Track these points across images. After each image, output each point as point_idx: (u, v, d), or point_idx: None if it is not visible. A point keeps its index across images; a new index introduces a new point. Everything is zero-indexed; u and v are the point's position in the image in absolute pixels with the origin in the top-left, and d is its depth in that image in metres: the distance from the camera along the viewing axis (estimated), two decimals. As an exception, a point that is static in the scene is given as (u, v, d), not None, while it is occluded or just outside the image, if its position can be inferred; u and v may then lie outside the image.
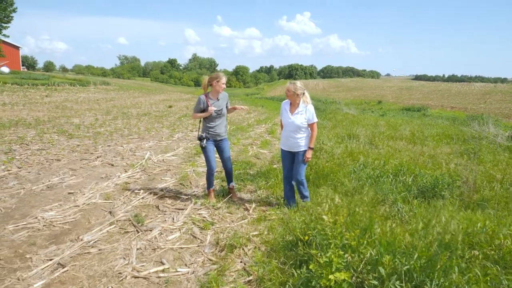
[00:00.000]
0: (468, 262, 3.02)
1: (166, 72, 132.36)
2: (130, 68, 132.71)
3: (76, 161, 7.68)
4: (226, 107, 5.35)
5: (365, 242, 3.02)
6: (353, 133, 11.37)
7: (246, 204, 5.42)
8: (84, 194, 5.66)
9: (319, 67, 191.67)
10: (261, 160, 8.45)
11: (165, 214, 5.01)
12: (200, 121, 5.32)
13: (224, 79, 5.09)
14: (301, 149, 4.90)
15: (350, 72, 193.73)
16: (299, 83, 4.88)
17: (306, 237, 3.01)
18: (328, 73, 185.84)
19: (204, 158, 5.43)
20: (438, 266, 2.64)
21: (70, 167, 7.19)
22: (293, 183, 5.17)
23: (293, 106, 4.91)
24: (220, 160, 5.64)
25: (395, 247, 2.95)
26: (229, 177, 5.63)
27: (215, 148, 5.34)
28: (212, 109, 5.04)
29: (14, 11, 45.53)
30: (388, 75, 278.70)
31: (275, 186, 6.08)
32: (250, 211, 5.16)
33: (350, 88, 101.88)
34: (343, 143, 9.51)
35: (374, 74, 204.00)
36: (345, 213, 3.14)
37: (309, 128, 4.90)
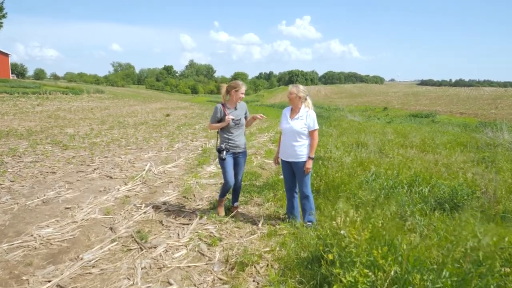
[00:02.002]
0: (501, 279, 2.93)
1: (162, 80, 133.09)
2: (125, 76, 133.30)
3: (72, 174, 7.60)
4: (245, 117, 5.26)
5: (389, 259, 2.94)
6: (361, 141, 11.33)
7: (254, 218, 5.34)
8: (82, 209, 5.57)
9: (320, 73, 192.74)
10: (267, 171, 8.38)
11: (169, 229, 4.92)
12: (217, 132, 5.23)
13: (243, 89, 5.01)
14: (301, 160, 4.75)
15: (352, 78, 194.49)
16: (301, 86, 4.85)
17: (331, 256, 2.92)
18: (329, 78, 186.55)
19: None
20: (473, 285, 2.55)
21: (66, 180, 7.11)
22: (296, 196, 5.08)
23: (294, 111, 4.85)
24: None
25: (422, 264, 2.86)
26: (236, 194, 5.52)
27: (233, 162, 5.19)
28: (229, 118, 4.94)
29: (3, 17, 45.79)
30: (392, 80, 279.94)
31: (284, 198, 5.99)
32: (259, 225, 5.07)
33: (353, 94, 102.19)
34: (352, 152, 9.45)
35: (377, 80, 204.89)
36: (369, 229, 3.06)
37: (309, 136, 4.79)
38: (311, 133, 4.76)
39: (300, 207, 5.03)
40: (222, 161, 5.05)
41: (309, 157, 4.74)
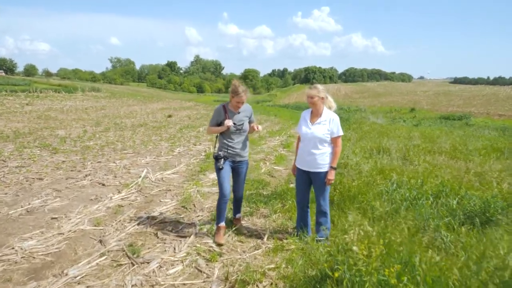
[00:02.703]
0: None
1: (165, 77, 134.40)
2: (124, 72, 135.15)
3: (61, 180, 7.70)
4: (250, 122, 5.10)
5: (405, 279, 2.91)
6: (383, 147, 11.27)
7: (259, 231, 5.34)
8: (70, 219, 5.64)
9: (340, 70, 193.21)
10: (275, 179, 8.38)
11: (165, 243, 4.95)
12: (216, 136, 5.15)
13: (242, 97, 4.78)
14: (322, 170, 4.68)
15: (376, 75, 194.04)
16: (320, 85, 4.75)
17: (336, 274, 2.91)
18: (350, 76, 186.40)
19: (217, 180, 5.06)
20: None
21: (54, 187, 7.21)
22: (308, 210, 5.05)
23: (315, 114, 4.75)
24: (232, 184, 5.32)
25: (442, 286, 2.84)
26: (237, 206, 5.48)
27: (231, 171, 5.08)
28: (228, 123, 4.81)
29: (-8, 8, 46.70)
30: (421, 78, 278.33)
31: (293, 210, 5.99)
32: (264, 239, 5.07)
33: (377, 93, 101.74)
34: (372, 158, 9.40)
35: (405, 77, 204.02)
36: (381, 244, 3.04)
37: (331, 143, 4.72)
38: (334, 140, 4.69)
39: (315, 221, 5.00)
40: (218, 170, 4.92)
41: (332, 167, 4.67)
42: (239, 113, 4.96)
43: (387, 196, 6.21)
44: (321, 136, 4.62)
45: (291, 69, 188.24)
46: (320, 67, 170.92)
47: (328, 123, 4.65)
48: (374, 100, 78.40)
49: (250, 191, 7.18)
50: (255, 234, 5.26)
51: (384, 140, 12.88)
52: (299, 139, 4.98)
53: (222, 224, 5.10)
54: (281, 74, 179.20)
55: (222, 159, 4.89)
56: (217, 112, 4.96)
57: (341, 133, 4.68)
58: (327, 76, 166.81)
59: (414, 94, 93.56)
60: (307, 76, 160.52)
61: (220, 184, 4.96)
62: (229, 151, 4.95)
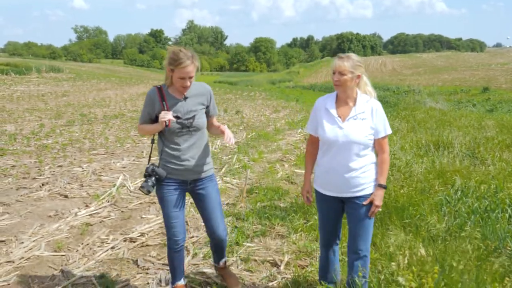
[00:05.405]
0: None
1: (148, 51, 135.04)
2: (93, 46, 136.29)
3: (10, 191, 7.81)
4: (208, 113, 4.15)
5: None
6: (443, 140, 11.20)
7: (274, 257, 5.36)
8: (22, 242, 5.71)
9: (385, 37, 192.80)
10: (297, 186, 8.38)
11: (147, 273, 5.00)
12: (152, 140, 4.16)
13: (188, 67, 3.69)
14: (366, 192, 3.82)
15: (436, 43, 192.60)
16: (355, 56, 3.77)
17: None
18: (400, 45, 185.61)
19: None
20: None
21: (0, 200, 7.32)
22: (337, 250, 4.31)
23: (345, 102, 3.85)
24: (200, 218, 4.60)
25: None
26: (219, 250, 4.56)
27: (183, 198, 4.20)
28: (166, 116, 3.77)
29: None
30: (498, 45, 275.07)
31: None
32: (281, 267, 5.09)
33: (436, 68, 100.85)
34: (428, 157, 9.36)
35: (475, 45, 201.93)
36: (435, 271, 3.03)
37: (374, 148, 3.90)
38: (379, 143, 3.85)
39: (348, 267, 4.24)
40: (159, 199, 4.13)
41: (380, 186, 3.84)
42: (185, 99, 3.96)
43: (449, 208, 6.18)
44: (361, 139, 3.73)
45: (318, 37, 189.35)
46: (358, 34, 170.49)
47: (370, 117, 3.78)
48: (433, 78, 77.57)
49: (263, 202, 7.20)
50: (269, 261, 5.29)
51: (445, 132, 12.80)
52: (311, 143, 4.15)
53: (180, 283, 4.38)
54: (305, 44, 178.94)
55: (153, 177, 3.90)
56: (149, 99, 3.99)
57: (389, 131, 3.87)
58: (367, 45, 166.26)
59: (488, 68, 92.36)
60: (340, 46, 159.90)
61: (165, 220, 4.16)
62: (169, 164, 4.00)
